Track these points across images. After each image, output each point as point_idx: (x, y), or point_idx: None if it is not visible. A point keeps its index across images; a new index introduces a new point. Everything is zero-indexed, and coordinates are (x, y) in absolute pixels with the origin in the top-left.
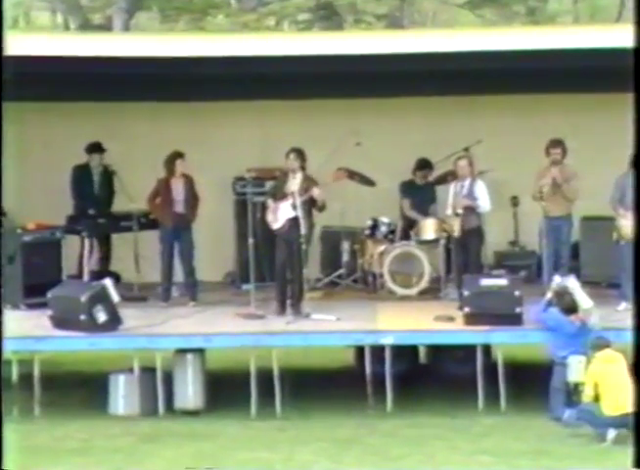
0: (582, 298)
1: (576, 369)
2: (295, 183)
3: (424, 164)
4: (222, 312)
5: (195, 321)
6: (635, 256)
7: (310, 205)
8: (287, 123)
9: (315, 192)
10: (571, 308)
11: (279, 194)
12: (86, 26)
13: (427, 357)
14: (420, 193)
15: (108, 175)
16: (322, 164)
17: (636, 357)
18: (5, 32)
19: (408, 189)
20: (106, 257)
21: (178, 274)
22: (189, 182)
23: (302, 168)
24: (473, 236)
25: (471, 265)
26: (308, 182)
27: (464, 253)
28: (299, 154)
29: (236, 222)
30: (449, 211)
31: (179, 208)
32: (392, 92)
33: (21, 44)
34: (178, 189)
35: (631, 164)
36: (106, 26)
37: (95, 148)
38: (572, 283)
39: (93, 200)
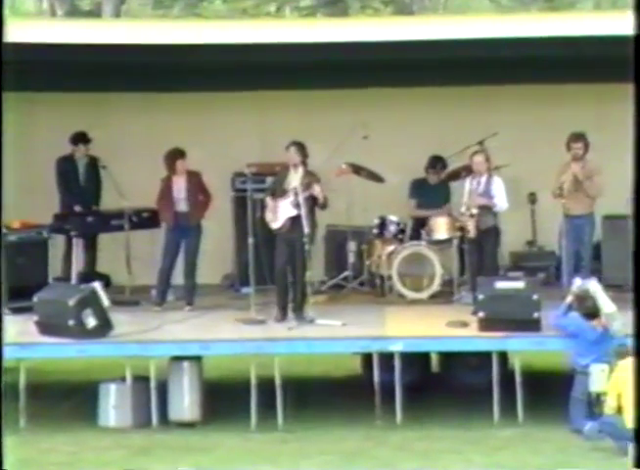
0: (604, 302)
1: (599, 378)
2: (296, 179)
3: (436, 162)
4: (220, 317)
5: (191, 327)
6: (635, 255)
7: (312, 202)
8: (289, 116)
9: (316, 190)
10: (592, 313)
11: (279, 191)
12: (74, 13)
13: (439, 365)
14: (432, 192)
15: (94, 167)
16: (326, 159)
17: (637, 357)
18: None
19: (420, 188)
20: (93, 257)
21: (174, 277)
22: (194, 179)
23: (304, 163)
24: (489, 236)
25: (486, 267)
26: (310, 178)
27: (479, 254)
28: (300, 147)
29: (235, 221)
30: (463, 209)
31: (180, 206)
32: (401, 82)
33: (6, 31)
34: (179, 187)
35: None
36: (95, 13)
37: (80, 138)
38: (594, 286)
39: (80, 193)
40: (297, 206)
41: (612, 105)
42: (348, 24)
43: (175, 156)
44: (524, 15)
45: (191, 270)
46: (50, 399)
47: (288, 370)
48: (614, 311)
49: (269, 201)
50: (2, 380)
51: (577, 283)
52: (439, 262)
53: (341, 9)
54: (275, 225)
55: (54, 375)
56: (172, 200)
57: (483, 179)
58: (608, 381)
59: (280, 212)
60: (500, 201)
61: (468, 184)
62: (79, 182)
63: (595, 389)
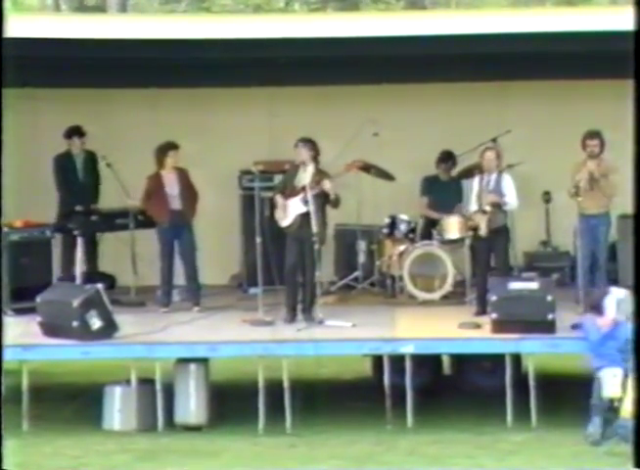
0: (616, 289)
1: (611, 383)
2: (305, 177)
3: (446, 157)
4: (227, 318)
5: (198, 328)
6: (635, 254)
7: (323, 200)
8: (297, 112)
9: (327, 185)
10: (597, 305)
11: (288, 189)
12: (79, 7)
13: (451, 368)
14: (444, 190)
15: (92, 162)
16: (336, 156)
17: (636, 355)
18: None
19: (431, 185)
20: (94, 257)
21: (179, 277)
22: (183, 175)
23: (315, 161)
24: (499, 235)
25: (498, 267)
26: (320, 175)
27: (488, 253)
28: (309, 144)
29: (242, 220)
30: (473, 207)
31: (175, 204)
32: (413, 78)
33: (7, 26)
34: (171, 183)
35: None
36: (100, 7)
37: (74, 131)
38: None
39: (79, 190)
40: (306, 203)
41: (629, 101)
42: (359, 19)
43: (167, 148)
44: (538, 9)
45: (193, 271)
46: (53, 401)
47: (296, 372)
48: (626, 295)
49: (279, 199)
50: (2, 382)
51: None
52: (451, 263)
53: (351, 3)
54: (285, 223)
55: (57, 377)
56: (166, 197)
57: (493, 177)
58: (622, 385)
59: (290, 210)
60: (511, 199)
61: (477, 183)
62: (78, 179)
63: (607, 394)
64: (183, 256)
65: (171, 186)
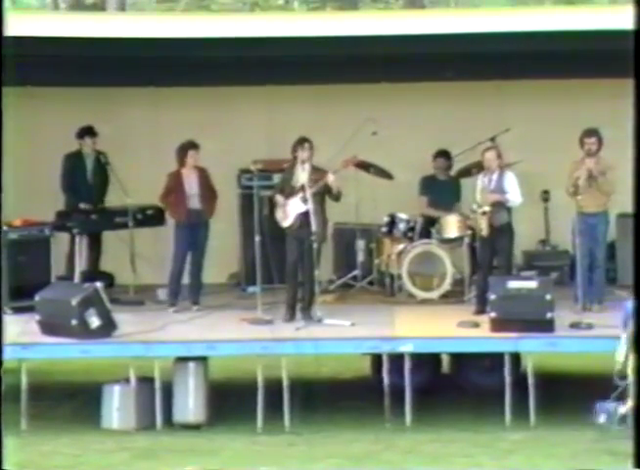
0: None
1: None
2: (304, 176)
3: (441, 152)
4: (226, 317)
5: (196, 327)
6: (635, 254)
7: (323, 197)
8: (296, 111)
9: (330, 178)
10: None
11: (287, 188)
12: (77, 5)
13: (449, 367)
14: (443, 189)
15: (101, 163)
16: (334, 155)
17: (637, 354)
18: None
19: (429, 185)
20: (96, 256)
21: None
22: (203, 175)
23: (310, 159)
24: (503, 233)
25: (500, 266)
26: (318, 173)
27: (491, 252)
28: (311, 143)
29: (241, 218)
30: (475, 207)
31: (194, 203)
32: (412, 76)
33: (7, 25)
34: (191, 183)
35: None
36: (99, 6)
37: (86, 131)
38: None
39: (86, 191)
40: (306, 201)
41: (627, 100)
42: (358, 18)
43: (187, 147)
44: (537, 8)
45: (198, 269)
46: (52, 400)
47: (295, 371)
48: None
49: (279, 199)
50: (1, 381)
51: None
52: (450, 261)
53: (350, 2)
54: (286, 223)
55: (56, 376)
56: (185, 196)
57: (495, 176)
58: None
59: (290, 210)
60: (513, 196)
61: (480, 181)
62: (87, 180)
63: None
64: (193, 253)
65: (191, 185)
